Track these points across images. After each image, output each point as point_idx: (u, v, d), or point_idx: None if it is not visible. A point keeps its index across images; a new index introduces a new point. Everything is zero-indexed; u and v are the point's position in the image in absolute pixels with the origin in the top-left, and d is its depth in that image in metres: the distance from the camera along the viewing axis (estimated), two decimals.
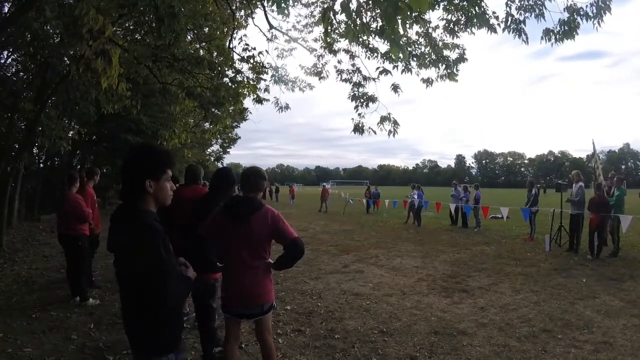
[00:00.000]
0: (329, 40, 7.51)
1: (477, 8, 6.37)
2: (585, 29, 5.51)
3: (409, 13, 2.87)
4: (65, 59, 9.40)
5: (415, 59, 7.25)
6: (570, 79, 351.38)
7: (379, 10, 4.05)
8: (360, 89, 7.42)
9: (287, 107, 9.38)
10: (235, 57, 9.05)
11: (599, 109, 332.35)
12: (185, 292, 2.08)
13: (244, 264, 3.05)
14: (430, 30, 7.15)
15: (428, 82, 7.48)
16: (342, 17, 5.78)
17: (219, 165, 37.82)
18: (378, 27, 5.64)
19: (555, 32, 5.64)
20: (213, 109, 10.07)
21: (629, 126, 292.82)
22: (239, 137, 38.73)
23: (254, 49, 8.95)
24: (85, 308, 5.62)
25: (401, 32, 3.14)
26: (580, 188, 10.03)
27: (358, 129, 7.06)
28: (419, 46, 7.32)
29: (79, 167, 19.91)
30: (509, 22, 6.04)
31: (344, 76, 7.77)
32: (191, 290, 2.21)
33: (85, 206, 6.08)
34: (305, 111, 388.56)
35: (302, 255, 3.11)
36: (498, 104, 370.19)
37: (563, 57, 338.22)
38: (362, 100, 7.20)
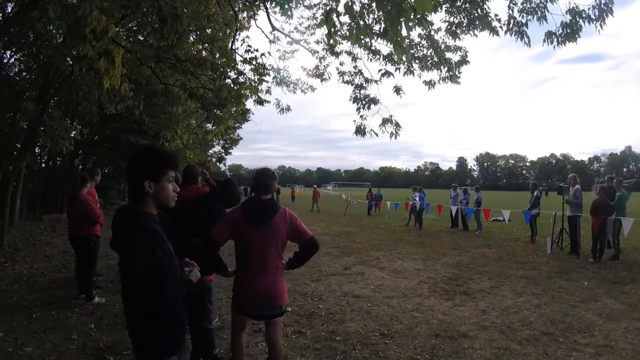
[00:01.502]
0: (331, 42, 7.51)
1: (479, 10, 6.37)
2: (586, 31, 5.52)
3: (412, 15, 2.86)
4: (68, 59, 9.43)
5: (417, 61, 7.25)
6: (571, 81, 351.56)
7: (381, 12, 4.05)
8: (362, 91, 7.42)
9: (288, 108, 9.39)
10: (238, 58, 9.06)
11: (601, 111, 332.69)
12: (185, 294, 2.07)
13: (267, 265, 3.11)
14: (432, 32, 7.16)
15: (430, 84, 7.48)
16: (345, 18, 5.82)
17: (221, 166, 37.93)
18: (381, 29, 5.64)
19: (558, 34, 5.64)
20: (215, 110, 10.10)
21: (630, 129, 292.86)
22: (241, 138, 38.92)
23: (257, 50, 8.96)
24: (85, 308, 5.62)
25: (404, 33, 3.14)
26: (577, 190, 10.04)
27: (360, 130, 7.06)
28: (421, 48, 7.32)
29: (80, 167, 19.95)
30: (511, 25, 6.04)
31: (346, 78, 7.78)
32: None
33: (97, 207, 6.09)
34: (306, 113, 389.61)
35: (317, 251, 3.26)
36: (499, 106, 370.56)
37: (563, 60, 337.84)
38: (364, 102, 7.20)
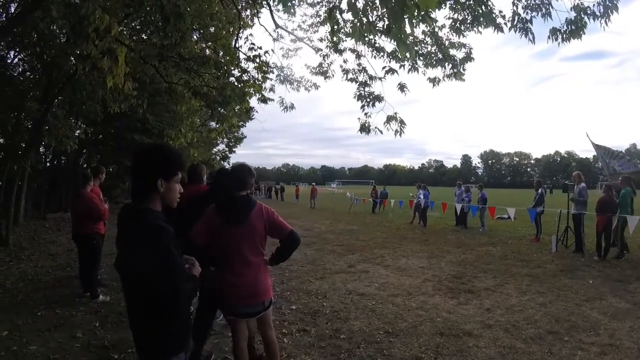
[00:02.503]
0: (335, 39, 7.49)
1: (483, 7, 6.33)
2: (589, 28, 5.47)
3: (416, 12, 2.84)
4: (72, 58, 9.45)
5: (421, 58, 7.22)
6: (574, 79, 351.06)
7: (385, 9, 4.03)
8: (367, 89, 7.39)
9: (292, 106, 9.39)
10: (241, 56, 9.08)
11: (605, 109, 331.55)
12: (193, 290, 2.07)
13: (246, 263, 3.06)
14: (436, 29, 7.13)
15: (434, 81, 7.45)
16: (348, 15, 5.79)
17: (225, 164, 37.96)
18: (384, 26, 5.62)
19: (562, 31, 5.59)
20: (219, 108, 10.09)
21: (635, 126, 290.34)
22: (245, 137, 39.09)
23: (260, 48, 8.96)
24: (90, 306, 5.64)
25: (408, 30, 3.12)
26: (582, 189, 9.98)
27: (364, 128, 7.03)
28: (426, 45, 7.29)
29: (85, 165, 20.03)
30: (515, 22, 6.00)
31: (350, 75, 7.75)
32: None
33: (100, 204, 6.09)
34: (310, 111, 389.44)
35: (298, 245, 3.20)
36: (504, 103, 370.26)
37: (567, 57, 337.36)
38: (368, 99, 7.18)
